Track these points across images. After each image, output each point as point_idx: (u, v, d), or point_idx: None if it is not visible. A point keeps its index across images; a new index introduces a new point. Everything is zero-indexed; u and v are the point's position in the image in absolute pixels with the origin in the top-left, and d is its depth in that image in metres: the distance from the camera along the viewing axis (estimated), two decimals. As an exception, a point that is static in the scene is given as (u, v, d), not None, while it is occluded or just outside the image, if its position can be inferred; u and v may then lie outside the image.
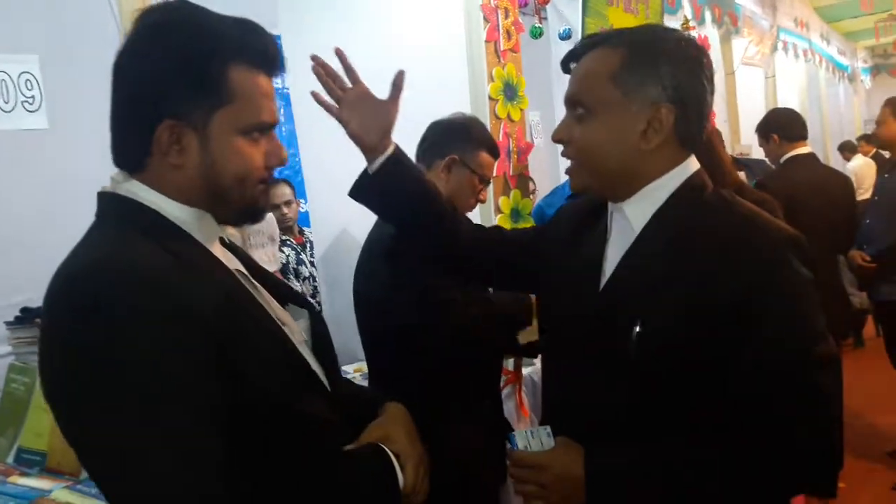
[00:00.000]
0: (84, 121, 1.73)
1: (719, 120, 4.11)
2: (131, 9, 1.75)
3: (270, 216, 2.49)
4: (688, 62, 1.04)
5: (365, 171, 1.23)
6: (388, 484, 0.94)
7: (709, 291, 0.97)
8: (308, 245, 3.28)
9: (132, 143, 0.88)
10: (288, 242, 3.25)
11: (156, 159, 0.87)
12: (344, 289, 2.00)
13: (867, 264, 3.13)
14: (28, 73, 2.36)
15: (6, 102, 2.34)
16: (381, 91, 1.21)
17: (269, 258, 2.13)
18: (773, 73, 5.62)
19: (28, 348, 1.75)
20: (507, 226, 2.36)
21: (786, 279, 0.98)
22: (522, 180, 2.43)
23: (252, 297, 0.92)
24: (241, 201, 0.91)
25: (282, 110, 3.93)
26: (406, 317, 1.57)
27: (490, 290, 1.76)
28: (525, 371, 2.29)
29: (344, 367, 2.51)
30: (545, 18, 2.84)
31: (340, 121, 1.19)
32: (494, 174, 1.87)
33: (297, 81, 2.12)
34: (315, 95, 1.18)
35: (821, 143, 6.66)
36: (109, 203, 0.89)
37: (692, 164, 1.09)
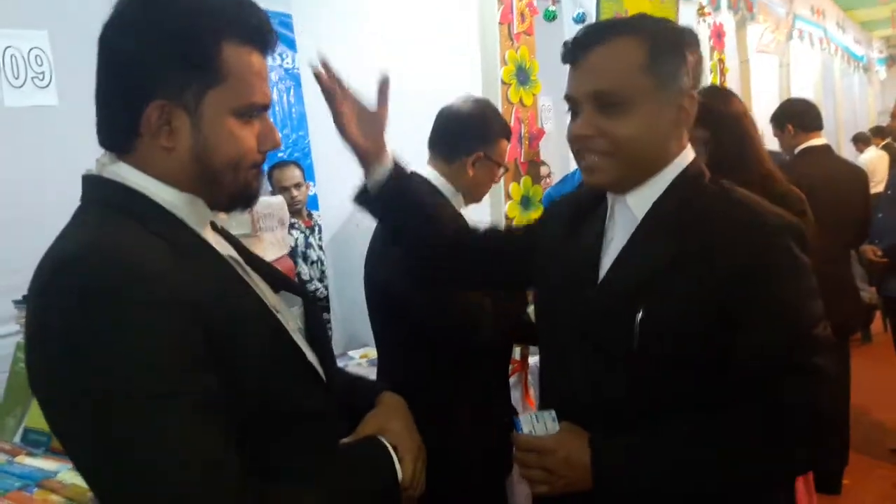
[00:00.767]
0: (93, 98, 1.74)
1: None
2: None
3: (280, 199, 2.47)
4: (699, 49, 1.08)
5: (364, 186, 1.25)
6: (387, 477, 0.93)
7: (709, 277, 0.99)
8: (317, 228, 3.26)
9: (119, 124, 0.84)
10: (296, 225, 3.24)
11: (145, 140, 0.83)
12: (352, 273, 1.98)
13: (878, 259, 3.09)
14: (38, 48, 2.33)
15: (16, 78, 2.32)
16: (390, 73, 1.17)
17: (279, 242, 2.12)
18: (787, 62, 5.54)
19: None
20: (517, 213, 2.33)
21: (784, 263, 1.00)
22: (533, 167, 2.40)
23: (246, 285, 0.89)
24: (234, 185, 0.88)
25: (292, 91, 3.91)
26: (418, 304, 1.55)
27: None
28: (531, 360, 2.27)
29: (350, 353, 2.50)
30: (558, 1, 2.79)
31: (336, 118, 1.17)
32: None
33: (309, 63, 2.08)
34: (317, 74, 1.16)
35: (834, 135, 6.60)
36: (95, 186, 0.85)
37: (690, 153, 1.11)
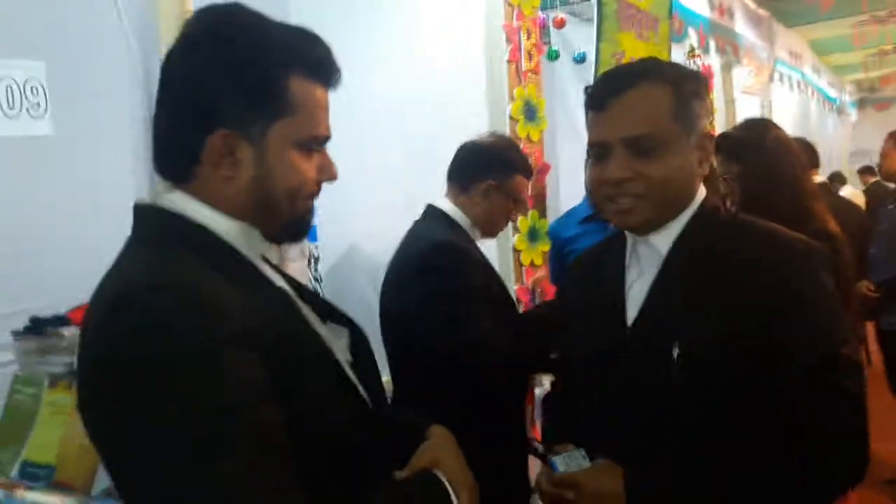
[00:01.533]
0: (89, 128, 1.71)
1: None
2: (139, 17, 1.71)
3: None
4: (709, 92, 1.12)
5: None
6: None
7: (739, 307, 1.01)
8: (313, 260, 3.24)
9: (179, 152, 0.83)
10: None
11: (205, 169, 0.82)
12: (351, 306, 1.95)
13: (871, 293, 3.15)
14: (34, 79, 2.32)
15: (11, 108, 2.30)
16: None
17: (303, 272, 2.11)
18: (769, 103, 5.72)
19: (37, 359, 1.70)
20: (525, 245, 2.36)
21: (810, 289, 1.02)
22: (540, 200, 2.43)
23: (302, 317, 0.88)
24: (290, 215, 0.88)
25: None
26: (437, 337, 1.55)
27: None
28: (536, 391, 2.26)
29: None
30: (546, 43, 2.84)
31: None
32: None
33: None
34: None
35: (812, 174, 6.76)
36: (150, 216, 0.84)
37: (703, 189, 1.14)
